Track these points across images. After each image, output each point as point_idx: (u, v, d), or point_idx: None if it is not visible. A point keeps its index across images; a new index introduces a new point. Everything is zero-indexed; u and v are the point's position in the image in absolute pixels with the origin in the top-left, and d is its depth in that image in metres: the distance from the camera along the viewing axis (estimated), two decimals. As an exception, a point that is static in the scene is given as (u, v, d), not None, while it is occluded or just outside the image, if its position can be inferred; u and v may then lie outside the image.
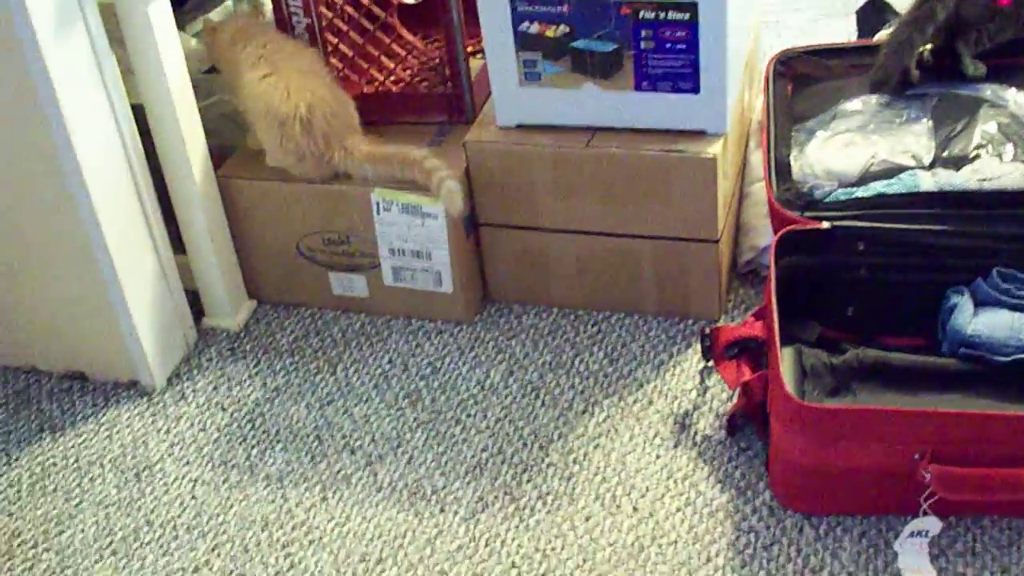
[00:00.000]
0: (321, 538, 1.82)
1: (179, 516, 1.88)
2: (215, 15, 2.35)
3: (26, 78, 1.80)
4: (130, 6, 1.90)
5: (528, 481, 1.86)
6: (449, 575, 1.74)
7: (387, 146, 2.07)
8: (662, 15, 1.87)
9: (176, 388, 2.12)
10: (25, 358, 2.19)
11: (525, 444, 1.92)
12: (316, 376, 2.11)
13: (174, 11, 1.99)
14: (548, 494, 1.84)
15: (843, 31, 2.62)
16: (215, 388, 2.11)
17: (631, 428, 1.93)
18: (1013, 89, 2.02)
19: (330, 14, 2.18)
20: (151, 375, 2.11)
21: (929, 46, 2.09)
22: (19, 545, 1.87)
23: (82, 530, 1.88)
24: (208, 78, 2.31)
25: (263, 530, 1.84)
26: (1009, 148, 1.91)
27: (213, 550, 1.82)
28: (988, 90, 2.04)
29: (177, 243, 2.15)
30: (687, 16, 1.86)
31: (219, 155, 2.17)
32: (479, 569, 1.75)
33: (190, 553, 1.82)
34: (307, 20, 2.15)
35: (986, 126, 1.95)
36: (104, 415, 2.08)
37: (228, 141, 2.24)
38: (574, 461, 1.89)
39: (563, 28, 1.92)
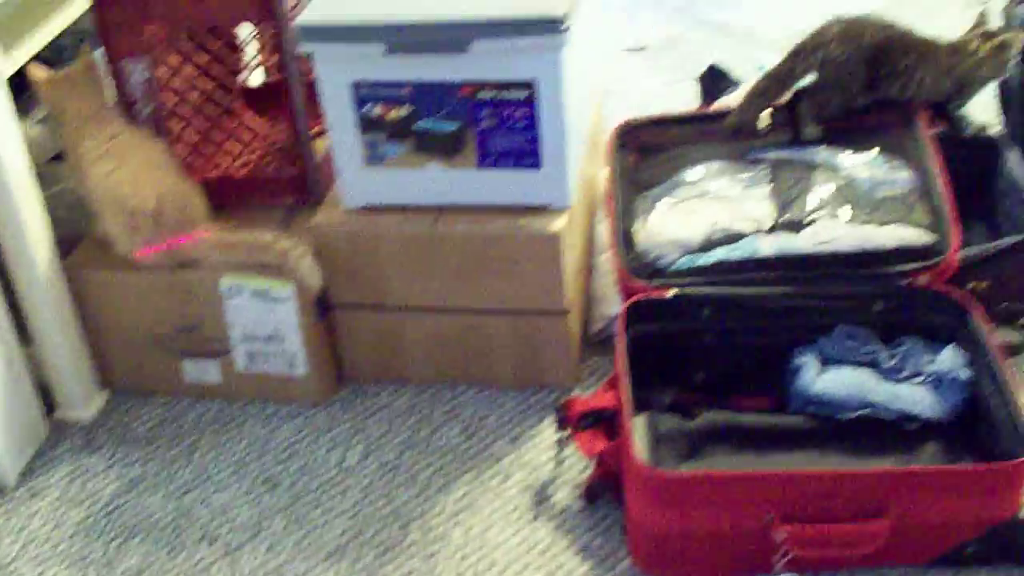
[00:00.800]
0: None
1: (35, 617, 1.85)
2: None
3: None
4: (-33, 99, 1.89)
5: (390, 562, 1.86)
6: (313, 662, 1.74)
7: (236, 232, 2.07)
8: (501, 94, 1.90)
9: (29, 484, 2.08)
10: None
11: (386, 524, 1.92)
12: (173, 465, 2.08)
13: (16, 98, 1.98)
14: (410, 574, 1.84)
15: (689, 98, 2.67)
16: (70, 482, 2.08)
17: (491, 502, 1.93)
18: (848, 152, 2.08)
19: (174, 99, 2.18)
20: (2, 471, 2.07)
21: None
22: None
23: (-66, 638, 1.84)
24: (54, 166, 2.29)
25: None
26: (844, 211, 1.96)
27: (71, 650, 1.79)
28: (824, 153, 2.09)
29: (25, 334, 2.12)
30: (525, 95, 1.89)
31: (68, 244, 2.15)
32: (343, 654, 1.74)
33: (48, 655, 1.79)
34: (151, 106, 2.15)
35: (822, 189, 2.01)
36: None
37: (76, 230, 2.22)
38: (435, 539, 1.88)
39: (405, 109, 1.94)
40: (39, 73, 2.07)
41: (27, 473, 2.10)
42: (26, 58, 2.07)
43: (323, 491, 1.99)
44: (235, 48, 2.37)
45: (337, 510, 1.95)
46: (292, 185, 2.18)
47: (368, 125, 1.97)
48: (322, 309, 2.11)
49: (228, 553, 1.90)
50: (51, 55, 2.25)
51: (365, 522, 1.92)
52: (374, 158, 2.00)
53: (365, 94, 1.95)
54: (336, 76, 1.96)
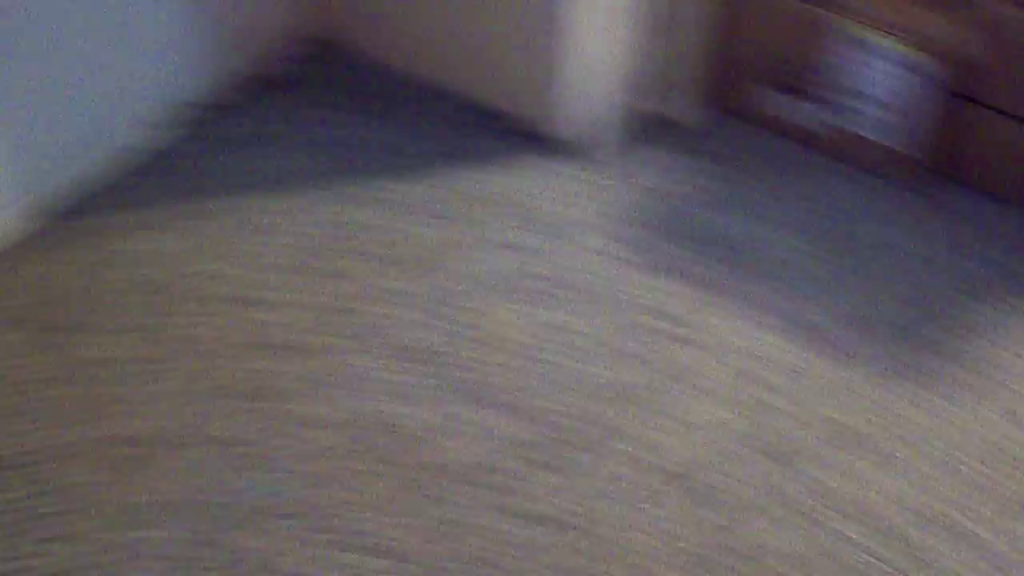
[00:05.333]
0: (696, 340, 1.78)
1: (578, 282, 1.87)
2: None
3: None
4: None
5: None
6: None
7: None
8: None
9: (595, 160, 2.09)
10: (455, 85, 2.18)
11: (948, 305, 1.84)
12: (743, 192, 2.04)
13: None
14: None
15: None
16: (637, 169, 2.07)
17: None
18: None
19: None
20: (577, 136, 2.08)
21: None
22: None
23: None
24: None
25: (648, 317, 1.81)
26: None
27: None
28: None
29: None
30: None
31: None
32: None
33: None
34: None
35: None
36: (515, 160, 2.07)
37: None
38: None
39: None
40: None
41: (599, 148, 2.12)
42: None
43: (881, 265, 1.91)
44: None
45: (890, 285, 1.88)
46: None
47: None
48: (953, 95, 1.97)
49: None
50: None
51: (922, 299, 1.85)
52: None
53: None
54: None
